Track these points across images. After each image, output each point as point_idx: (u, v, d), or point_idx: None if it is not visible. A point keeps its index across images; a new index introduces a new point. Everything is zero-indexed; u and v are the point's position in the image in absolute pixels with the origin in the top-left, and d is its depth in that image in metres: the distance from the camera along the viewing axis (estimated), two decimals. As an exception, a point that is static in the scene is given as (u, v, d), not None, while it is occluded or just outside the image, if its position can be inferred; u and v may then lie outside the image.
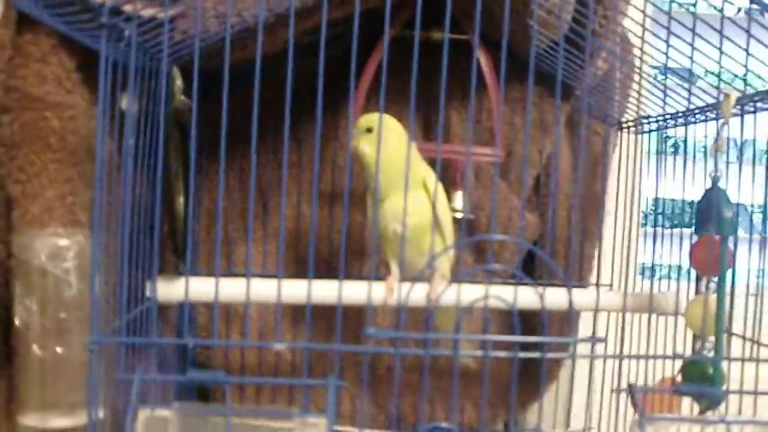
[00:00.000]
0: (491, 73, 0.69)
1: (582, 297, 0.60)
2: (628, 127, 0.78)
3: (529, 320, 0.78)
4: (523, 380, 0.80)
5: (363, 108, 0.70)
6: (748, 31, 0.51)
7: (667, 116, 0.71)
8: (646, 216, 0.81)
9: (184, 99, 0.55)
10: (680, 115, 0.68)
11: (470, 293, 0.55)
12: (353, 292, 0.57)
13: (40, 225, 0.48)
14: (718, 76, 0.56)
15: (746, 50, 0.52)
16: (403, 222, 0.57)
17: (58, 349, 0.46)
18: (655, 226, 0.67)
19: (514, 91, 0.78)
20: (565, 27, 0.66)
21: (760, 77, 0.60)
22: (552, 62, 0.69)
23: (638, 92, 0.69)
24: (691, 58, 0.55)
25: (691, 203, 0.61)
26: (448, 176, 0.77)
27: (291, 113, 0.52)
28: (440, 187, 0.61)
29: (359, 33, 0.52)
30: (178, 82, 0.53)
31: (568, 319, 0.78)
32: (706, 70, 0.58)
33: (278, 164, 0.76)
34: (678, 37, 0.55)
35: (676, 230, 0.71)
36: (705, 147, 0.62)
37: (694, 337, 0.58)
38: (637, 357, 0.53)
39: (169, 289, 0.55)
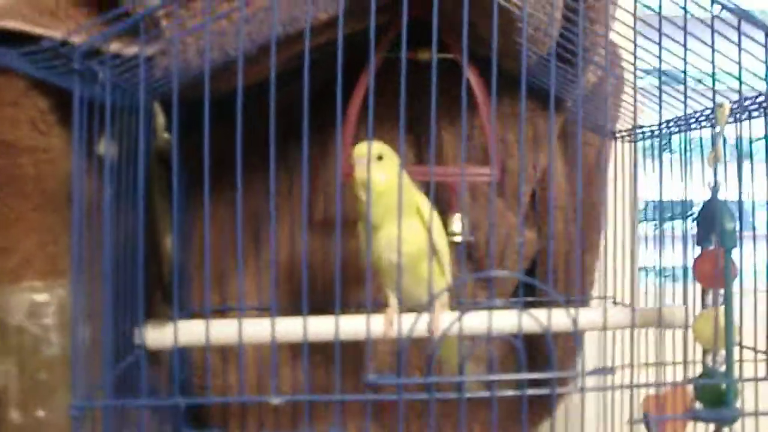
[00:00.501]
0: (481, 90, 0.67)
1: (588, 316, 0.58)
2: (623, 137, 0.77)
3: (533, 340, 0.76)
4: (530, 404, 0.79)
5: (354, 132, 0.68)
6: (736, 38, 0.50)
7: (662, 124, 0.70)
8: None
9: (167, 136, 0.53)
10: (675, 122, 0.66)
11: (474, 322, 0.53)
12: (352, 326, 0.55)
13: (15, 279, 0.46)
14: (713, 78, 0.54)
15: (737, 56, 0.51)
16: (398, 251, 0.54)
17: (40, 413, 0.43)
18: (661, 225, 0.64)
19: (505, 107, 0.76)
20: (553, 43, 0.65)
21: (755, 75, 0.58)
22: (541, 77, 0.68)
23: (633, 98, 0.67)
24: (684, 60, 0.53)
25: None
26: (444, 198, 0.75)
27: (280, 141, 0.50)
28: (435, 214, 0.59)
29: (347, 56, 0.50)
30: (160, 119, 0.51)
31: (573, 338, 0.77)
32: (698, 79, 0.57)
33: (269, 195, 0.74)
34: (669, 37, 0.54)
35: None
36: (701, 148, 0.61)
37: (704, 351, 0.56)
38: (647, 385, 0.51)
39: (160, 335, 0.52)
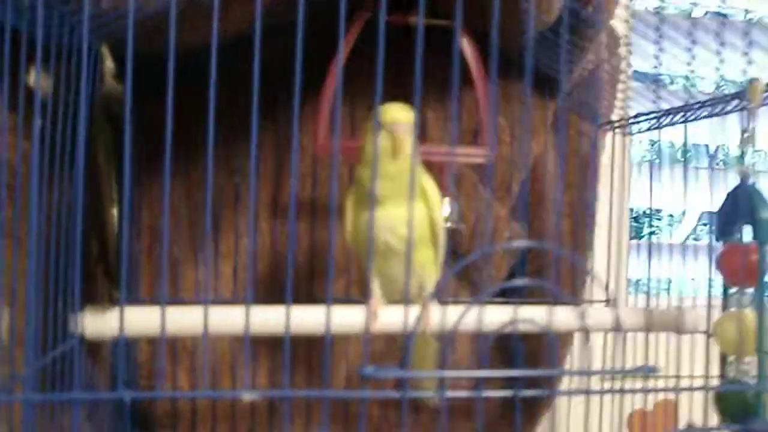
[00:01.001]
0: (477, 64, 0.60)
1: (596, 317, 0.51)
2: (620, 126, 0.71)
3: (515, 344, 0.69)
4: (514, 411, 0.72)
5: (332, 104, 0.60)
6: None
7: (661, 113, 0.64)
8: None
9: (118, 86, 0.44)
10: (677, 111, 0.61)
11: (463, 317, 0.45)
12: (340, 319, 0.47)
13: None
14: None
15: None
16: (399, 234, 0.47)
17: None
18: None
19: (497, 88, 0.70)
20: (557, 12, 0.59)
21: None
22: (538, 56, 0.62)
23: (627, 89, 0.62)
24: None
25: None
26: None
27: (244, 113, 0.43)
28: (439, 197, 0.52)
29: (328, 18, 0.43)
30: (109, 62, 0.43)
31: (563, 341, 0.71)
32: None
33: (230, 173, 0.65)
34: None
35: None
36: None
37: (723, 359, 0.51)
38: (666, 389, 0.45)
39: (101, 323, 0.44)
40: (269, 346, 0.65)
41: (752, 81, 0.48)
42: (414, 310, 0.44)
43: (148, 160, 0.60)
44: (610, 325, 0.51)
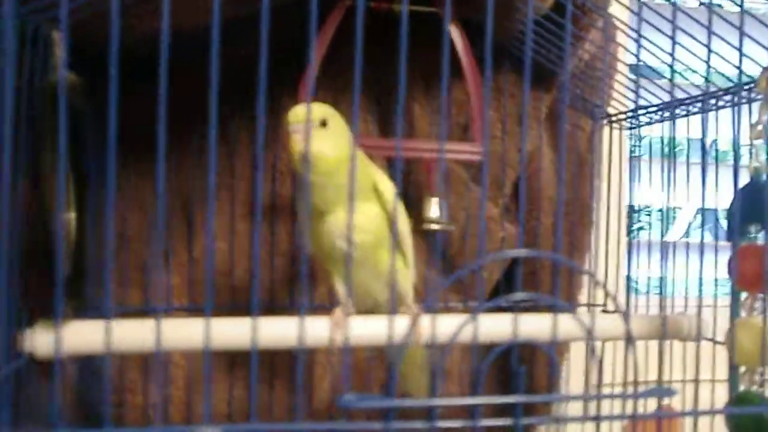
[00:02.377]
0: (467, 54, 0.56)
1: (603, 325, 0.47)
2: (618, 120, 0.67)
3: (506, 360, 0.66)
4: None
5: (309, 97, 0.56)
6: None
7: (662, 105, 0.61)
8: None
9: (73, 76, 0.40)
10: (686, 102, 0.57)
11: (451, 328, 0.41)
12: (299, 331, 0.42)
13: None
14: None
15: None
16: (348, 239, 0.42)
17: None
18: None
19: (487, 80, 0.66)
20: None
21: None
22: (533, 45, 0.58)
23: (635, 82, 0.58)
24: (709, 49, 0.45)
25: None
26: (418, 180, 0.64)
27: (219, 110, 0.39)
28: (394, 194, 0.47)
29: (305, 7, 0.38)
30: (59, 51, 0.38)
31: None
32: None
33: (204, 171, 0.61)
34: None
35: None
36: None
37: (731, 367, 0.47)
38: (683, 414, 0.41)
39: (51, 340, 0.39)
40: (246, 355, 0.61)
41: (764, 71, 0.45)
42: (397, 321, 0.40)
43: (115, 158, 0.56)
44: (620, 336, 0.47)
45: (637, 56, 0.54)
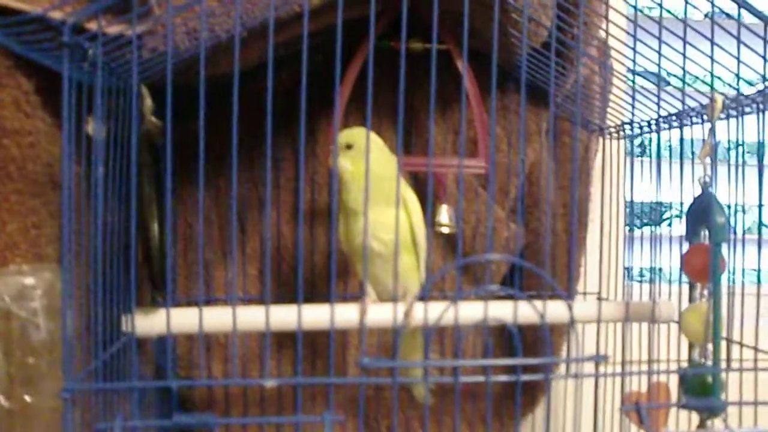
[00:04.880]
0: (472, 83, 0.67)
1: (582, 309, 0.58)
2: (610, 134, 0.77)
3: (519, 332, 0.76)
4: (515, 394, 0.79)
5: (342, 122, 0.67)
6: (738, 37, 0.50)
7: (652, 121, 0.70)
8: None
9: (155, 120, 0.52)
10: (669, 118, 0.67)
11: (466, 312, 0.52)
12: (338, 316, 0.54)
13: (2, 263, 0.44)
14: (711, 81, 0.54)
15: (737, 56, 0.51)
16: (380, 239, 0.56)
17: (27, 398, 0.42)
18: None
19: (495, 101, 0.76)
20: (545, 35, 0.65)
21: (748, 82, 0.59)
22: (531, 71, 0.68)
23: (632, 96, 0.67)
24: (684, 59, 0.53)
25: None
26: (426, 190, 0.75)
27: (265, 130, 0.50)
28: (418, 205, 0.60)
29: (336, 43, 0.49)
30: (148, 101, 0.50)
31: (558, 332, 0.77)
32: (694, 77, 0.58)
33: (254, 183, 0.73)
34: (666, 44, 0.54)
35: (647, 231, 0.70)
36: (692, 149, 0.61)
37: (690, 345, 0.57)
38: (639, 373, 0.52)
39: (148, 322, 0.51)
40: (293, 338, 0.73)
41: (713, 99, 0.54)
42: (400, 308, 0.52)
43: (181, 177, 0.68)
44: (593, 317, 0.57)
45: (633, 71, 0.63)
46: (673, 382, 0.58)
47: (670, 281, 0.55)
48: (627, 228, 0.73)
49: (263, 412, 0.73)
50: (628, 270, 0.78)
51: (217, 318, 0.50)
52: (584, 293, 0.80)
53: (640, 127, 0.71)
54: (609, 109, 0.76)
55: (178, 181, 0.69)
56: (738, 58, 0.50)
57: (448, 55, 0.67)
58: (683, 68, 0.52)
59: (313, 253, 0.73)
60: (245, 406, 0.73)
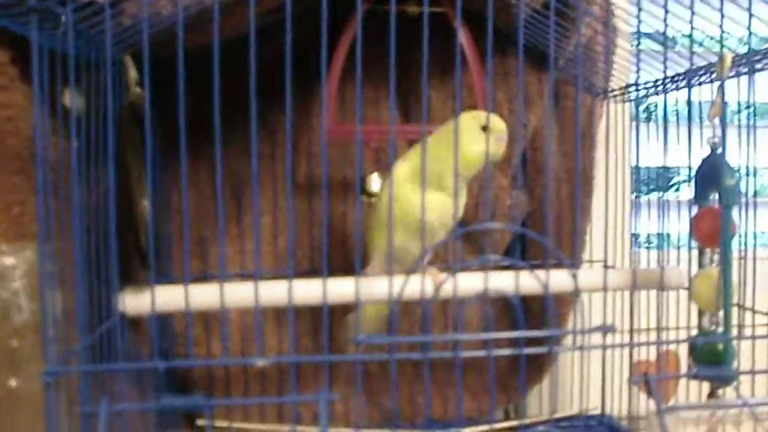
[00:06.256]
0: (471, 47, 0.64)
1: (587, 278, 0.56)
2: (615, 96, 0.74)
3: (524, 302, 0.74)
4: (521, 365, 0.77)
5: (338, 91, 0.65)
6: None
7: (659, 81, 0.68)
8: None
9: (140, 91, 0.50)
10: (675, 79, 0.64)
11: (465, 283, 0.51)
12: (341, 289, 0.52)
13: (-19, 242, 0.42)
14: (720, 37, 0.52)
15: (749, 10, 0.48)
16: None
17: (12, 382, 0.41)
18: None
19: (495, 65, 0.74)
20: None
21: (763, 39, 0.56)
22: (532, 33, 0.65)
23: (637, 57, 0.65)
24: (692, 14, 0.51)
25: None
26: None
27: (260, 101, 0.48)
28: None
29: (329, 9, 0.47)
30: (132, 73, 0.48)
31: (564, 302, 0.75)
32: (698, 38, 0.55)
33: (249, 156, 0.71)
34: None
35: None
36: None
37: (700, 312, 0.55)
38: (648, 344, 0.50)
39: (138, 301, 0.50)
40: (296, 314, 0.71)
41: (722, 56, 0.52)
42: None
43: (175, 151, 0.66)
44: (600, 286, 0.55)
45: (638, 32, 0.61)
46: (683, 350, 0.56)
47: (678, 247, 0.53)
48: (634, 194, 0.71)
49: (264, 389, 0.72)
50: (635, 237, 0.76)
51: (205, 295, 0.49)
52: (590, 261, 0.78)
53: (646, 89, 0.69)
54: (613, 72, 0.74)
55: (171, 155, 0.67)
56: (750, 11, 0.47)
57: (447, 19, 0.65)
58: (691, 23, 0.49)
59: (311, 226, 0.72)
60: (246, 383, 0.72)
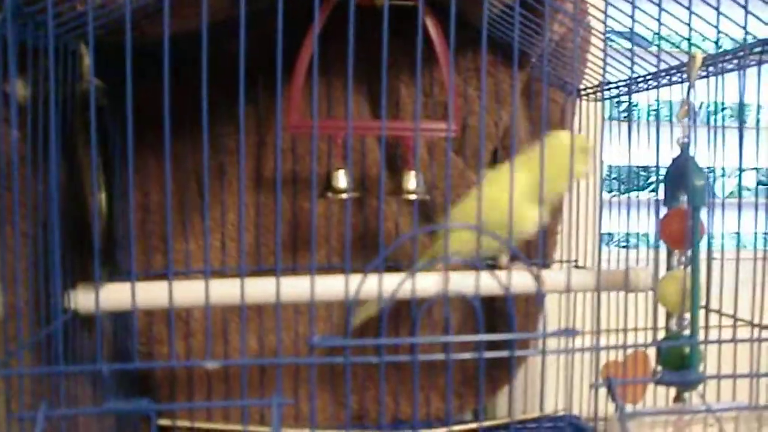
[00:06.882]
0: (441, 42, 0.63)
1: (551, 279, 0.55)
2: (587, 95, 0.74)
3: (493, 307, 0.73)
4: (490, 367, 0.77)
5: (303, 85, 0.63)
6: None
7: (630, 81, 0.67)
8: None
9: (97, 81, 0.48)
10: (645, 78, 0.64)
11: (428, 283, 0.50)
12: (291, 288, 0.51)
13: None
14: (689, 36, 0.51)
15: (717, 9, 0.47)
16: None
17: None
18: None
19: (467, 61, 0.73)
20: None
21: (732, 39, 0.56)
22: (505, 29, 0.64)
23: (604, 55, 0.64)
24: (660, 11, 0.50)
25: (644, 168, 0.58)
26: (399, 155, 0.71)
27: (228, 94, 0.46)
28: None
29: (300, 4, 0.46)
30: (86, 61, 0.46)
31: (535, 302, 0.75)
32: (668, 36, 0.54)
33: (216, 150, 0.69)
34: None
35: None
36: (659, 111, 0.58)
37: (668, 314, 0.55)
38: (611, 348, 0.49)
39: (91, 299, 0.48)
40: (257, 311, 0.70)
41: (692, 56, 0.51)
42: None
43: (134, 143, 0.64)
44: (563, 286, 0.54)
45: (605, 33, 0.60)
46: (653, 350, 0.56)
47: (654, 247, 0.53)
48: (606, 192, 0.70)
49: (228, 389, 0.70)
50: (609, 236, 0.75)
51: (154, 291, 0.47)
52: (561, 261, 0.77)
53: (617, 88, 0.68)
54: (587, 70, 0.73)
55: (132, 148, 0.65)
56: (717, 10, 0.47)
57: (417, 12, 0.63)
58: (659, 20, 0.48)
59: (276, 224, 0.70)
60: (209, 383, 0.70)
